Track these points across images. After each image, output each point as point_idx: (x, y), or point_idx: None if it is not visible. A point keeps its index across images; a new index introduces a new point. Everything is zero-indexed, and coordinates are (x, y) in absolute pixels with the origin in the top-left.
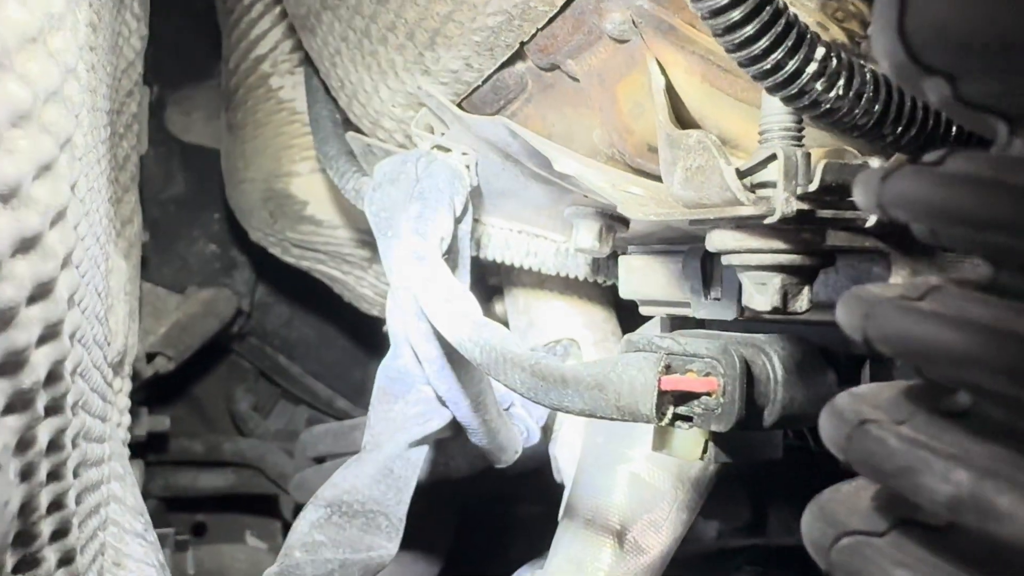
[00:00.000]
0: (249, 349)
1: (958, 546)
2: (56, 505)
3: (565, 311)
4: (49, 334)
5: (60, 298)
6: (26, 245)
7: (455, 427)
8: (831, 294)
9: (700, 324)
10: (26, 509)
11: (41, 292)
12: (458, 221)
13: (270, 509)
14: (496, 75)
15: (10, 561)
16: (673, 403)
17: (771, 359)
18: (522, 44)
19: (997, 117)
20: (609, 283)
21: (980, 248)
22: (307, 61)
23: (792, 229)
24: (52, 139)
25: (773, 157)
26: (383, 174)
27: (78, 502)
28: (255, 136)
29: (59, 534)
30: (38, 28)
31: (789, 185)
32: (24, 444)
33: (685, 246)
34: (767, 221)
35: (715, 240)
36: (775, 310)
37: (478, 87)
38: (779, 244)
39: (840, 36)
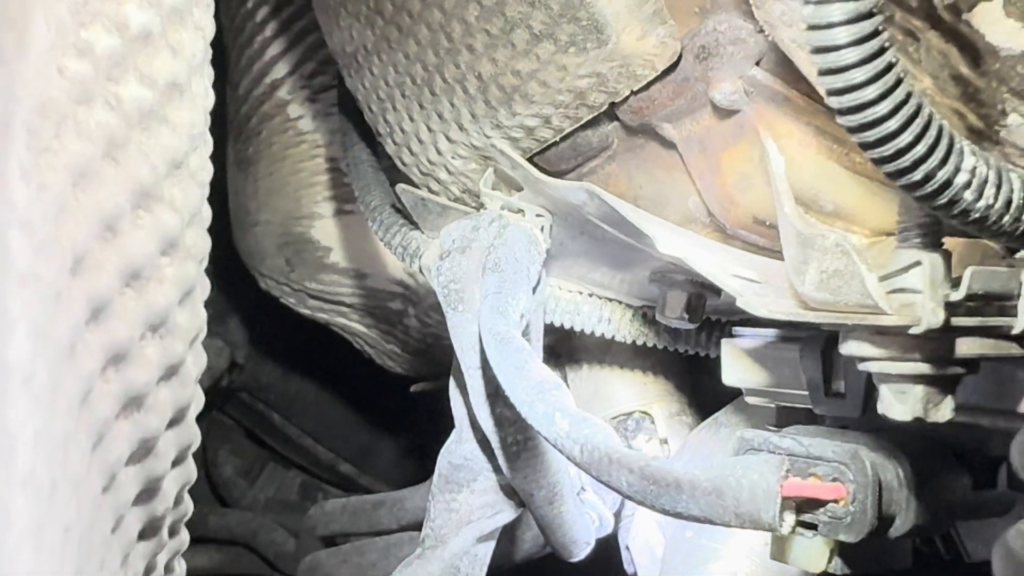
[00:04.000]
0: (236, 406)
1: None
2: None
3: (636, 380)
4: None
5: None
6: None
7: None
8: (968, 396)
9: (812, 414)
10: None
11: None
12: (533, 292)
13: None
14: (577, 133)
15: None
16: (795, 510)
17: (902, 464)
18: (612, 104)
19: None
20: (691, 353)
21: None
22: (342, 100)
23: (936, 338)
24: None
25: (917, 263)
26: (451, 241)
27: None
28: (270, 172)
29: None
30: None
31: (936, 294)
32: (148, 494)
33: (800, 332)
34: (913, 331)
35: (852, 347)
36: (915, 420)
37: (554, 143)
38: (921, 353)
39: (978, 123)
